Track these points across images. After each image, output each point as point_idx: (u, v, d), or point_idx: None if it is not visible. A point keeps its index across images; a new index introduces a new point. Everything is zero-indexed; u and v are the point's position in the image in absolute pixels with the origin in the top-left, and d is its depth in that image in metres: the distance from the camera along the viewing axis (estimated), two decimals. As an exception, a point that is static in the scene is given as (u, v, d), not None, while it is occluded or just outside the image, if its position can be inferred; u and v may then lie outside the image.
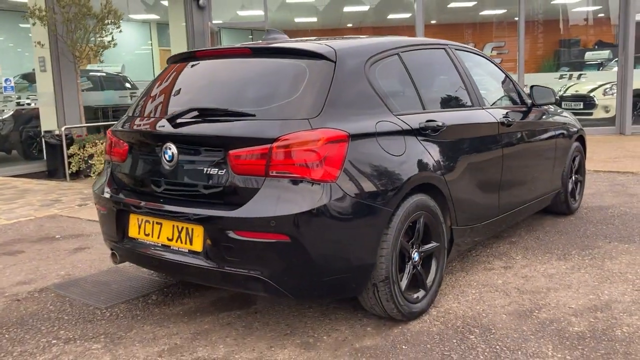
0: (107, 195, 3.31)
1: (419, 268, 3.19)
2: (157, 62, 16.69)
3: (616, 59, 13.56)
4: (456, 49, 4.00)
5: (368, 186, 2.83)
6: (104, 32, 8.80)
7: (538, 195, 4.67)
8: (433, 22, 18.21)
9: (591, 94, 12.48)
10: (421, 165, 3.14)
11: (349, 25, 19.25)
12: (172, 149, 2.97)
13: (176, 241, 2.95)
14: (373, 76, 3.12)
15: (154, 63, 16.72)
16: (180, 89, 3.35)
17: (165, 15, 15.50)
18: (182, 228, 2.93)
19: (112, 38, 8.95)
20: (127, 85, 12.47)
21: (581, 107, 12.37)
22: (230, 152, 2.78)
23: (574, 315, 3.19)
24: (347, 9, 15.92)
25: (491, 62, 4.53)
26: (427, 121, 3.30)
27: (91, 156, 8.61)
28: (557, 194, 5.09)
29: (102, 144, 8.54)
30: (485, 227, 3.89)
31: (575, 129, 5.27)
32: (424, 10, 11.53)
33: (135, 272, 4.14)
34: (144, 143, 3.20)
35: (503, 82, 4.58)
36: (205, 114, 2.95)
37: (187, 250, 2.91)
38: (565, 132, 5.05)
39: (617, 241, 4.53)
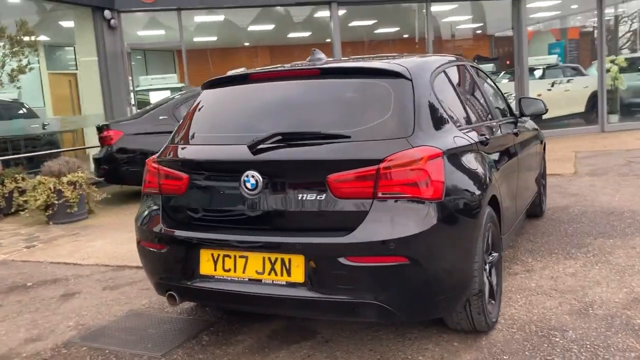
0: (165, 232, 3.03)
1: (490, 279, 3.26)
2: (47, 87, 15.49)
3: (504, 72, 14.83)
4: (470, 65, 4.17)
5: (463, 201, 2.86)
6: (20, 55, 8.03)
7: (530, 200, 4.97)
8: (328, 40, 18.68)
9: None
10: (490, 178, 3.23)
11: (246, 44, 19.19)
12: (255, 177, 2.80)
13: (269, 274, 2.78)
14: (437, 92, 3.16)
15: (43, 88, 15.48)
16: (241, 113, 3.16)
17: (56, 37, 14.50)
18: (276, 259, 2.76)
19: (29, 62, 8.20)
20: (24, 111, 11.42)
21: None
22: (331, 176, 2.68)
23: (625, 308, 3.42)
24: (251, 27, 15.84)
25: (488, 76, 4.76)
26: (481, 135, 3.40)
27: (12, 192, 7.79)
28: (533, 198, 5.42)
29: (22, 179, 7.76)
30: (512, 235, 4.07)
31: (542, 136, 5.67)
32: (340, 29, 11.80)
33: (160, 313, 3.83)
34: (215, 173, 2.99)
35: (497, 95, 4.83)
36: (292, 139, 2.82)
37: (284, 283, 2.75)
38: (539, 139, 5.42)
39: (601, 237, 4.92)
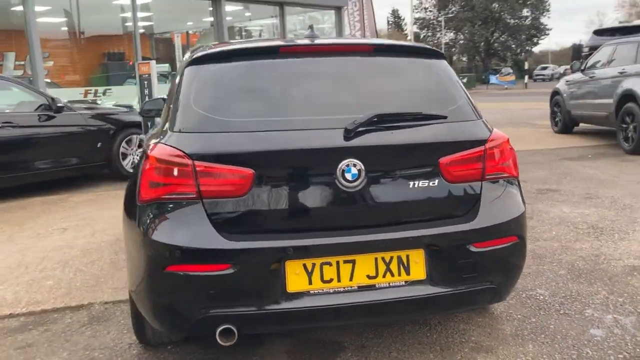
0: (228, 247, 2.29)
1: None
2: None
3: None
4: None
5: None
6: None
7: None
8: None
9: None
10: None
11: None
12: (357, 166, 2.38)
13: (384, 276, 2.41)
14: None
15: None
16: (307, 93, 2.57)
17: None
18: (391, 258, 2.41)
19: None
20: None
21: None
22: (443, 159, 2.49)
23: (540, 264, 4.07)
24: None
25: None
26: None
27: None
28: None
29: None
30: None
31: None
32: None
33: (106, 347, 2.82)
34: (299, 164, 2.38)
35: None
36: (391, 120, 2.49)
37: (403, 283, 2.42)
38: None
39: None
